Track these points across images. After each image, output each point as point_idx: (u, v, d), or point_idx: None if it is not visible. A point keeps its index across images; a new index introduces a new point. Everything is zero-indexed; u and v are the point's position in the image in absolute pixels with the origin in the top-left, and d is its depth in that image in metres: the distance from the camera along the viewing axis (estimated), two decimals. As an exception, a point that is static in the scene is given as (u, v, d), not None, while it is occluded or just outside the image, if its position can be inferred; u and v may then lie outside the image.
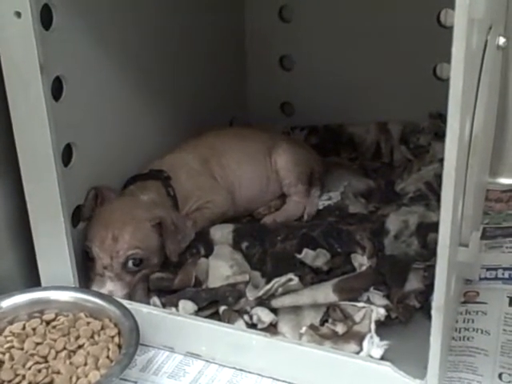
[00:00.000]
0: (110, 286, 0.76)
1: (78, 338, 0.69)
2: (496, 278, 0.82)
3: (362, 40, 1.10)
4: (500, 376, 0.66)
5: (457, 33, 0.48)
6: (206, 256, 0.81)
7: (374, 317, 0.70)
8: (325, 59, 1.14)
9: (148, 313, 0.72)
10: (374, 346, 0.67)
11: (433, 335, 0.58)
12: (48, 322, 0.71)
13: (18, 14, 0.65)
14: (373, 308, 0.71)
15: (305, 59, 1.16)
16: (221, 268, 0.79)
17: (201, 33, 1.02)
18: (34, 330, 0.70)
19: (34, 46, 0.66)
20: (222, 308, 0.74)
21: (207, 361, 0.72)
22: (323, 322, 0.72)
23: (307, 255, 0.78)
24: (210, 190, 0.91)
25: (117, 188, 0.85)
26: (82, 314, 0.72)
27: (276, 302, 0.73)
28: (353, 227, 0.83)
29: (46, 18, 0.68)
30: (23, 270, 0.80)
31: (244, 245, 0.82)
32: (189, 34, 0.99)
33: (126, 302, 0.72)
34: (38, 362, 0.65)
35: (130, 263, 0.77)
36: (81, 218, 0.79)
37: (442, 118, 1.05)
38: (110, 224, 0.77)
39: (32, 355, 0.66)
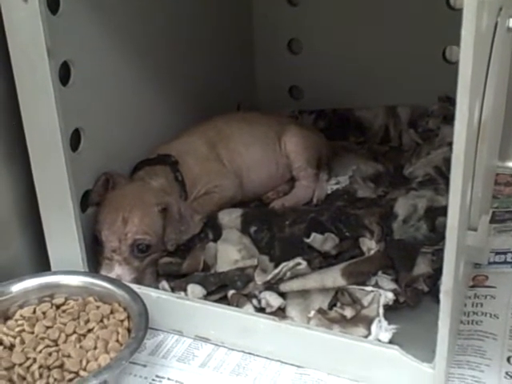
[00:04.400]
0: (118, 270, 0.76)
1: (87, 321, 0.69)
2: (505, 262, 0.82)
3: (371, 23, 1.09)
4: (508, 359, 0.66)
5: (466, 15, 0.48)
6: (215, 240, 0.82)
7: (382, 301, 0.70)
8: (333, 42, 1.13)
9: (157, 297, 0.73)
10: (383, 329, 0.67)
11: (441, 319, 0.58)
12: (58, 306, 0.72)
13: (25, -1, 0.65)
14: (381, 292, 0.71)
15: (313, 43, 1.15)
16: (229, 252, 0.79)
17: (208, 17, 1.02)
18: (44, 313, 0.71)
19: (41, 31, 0.66)
20: (231, 292, 0.74)
21: (216, 344, 0.72)
22: (331, 306, 0.72)
23: (315, 239, 0.78)
24: (218, 175, 0.90)
25: (125, 173, 0.86)
26: (91, 298, 0.72)
27: (284, 286, 0.73)
28: (361, 211, 0.83)
29: (53, 2, 0.68)
30: (33, 254, 0.81)
31: (252, 229, 0.82)
32: (196, 18, 0.99)
33: (135, 287, 0.73)
34: (48, 346, 0.66)
35: (138, 248, 0.77)
36: (89, 202, 0.79)
37: (451, 101, 1.04)
38: (120, 207, 0.78)
39: (42, 339, 0.67)
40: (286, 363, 0.69)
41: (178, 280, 0.77)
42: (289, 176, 0.99)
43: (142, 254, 0.78)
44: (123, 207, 0.78)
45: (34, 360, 0.64)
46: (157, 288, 0.76)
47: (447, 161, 0.83)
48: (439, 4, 1.04)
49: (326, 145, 1.04)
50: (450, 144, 0.52)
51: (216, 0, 1.04)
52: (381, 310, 0.69)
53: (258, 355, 0.70)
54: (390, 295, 0.71)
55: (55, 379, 0.63)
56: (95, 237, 0.78)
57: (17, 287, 0.72)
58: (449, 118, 1.03)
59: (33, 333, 0.68)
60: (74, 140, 0.75)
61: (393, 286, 0.73)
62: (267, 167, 0.96)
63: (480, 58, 0.53)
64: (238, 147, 0.94)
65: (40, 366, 0.63)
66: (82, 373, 0.63)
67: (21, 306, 0.72)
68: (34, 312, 0.71)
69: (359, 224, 0.80)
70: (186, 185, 0.86)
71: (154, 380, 0.68)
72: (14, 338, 0.67)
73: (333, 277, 0.73)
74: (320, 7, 1.12)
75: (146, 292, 0.73)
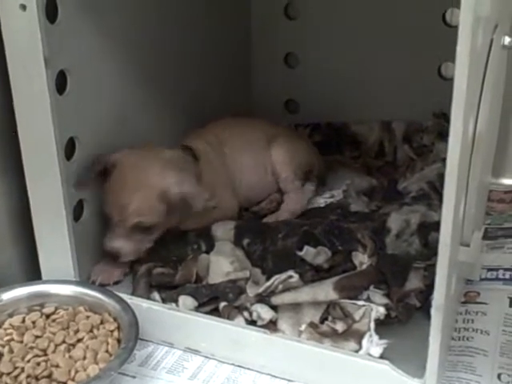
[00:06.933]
0: (117, 243, 0.78)
1: (77, 331, 0.69)
2: (497, 279, 0.82)
3: (367, 38, 1.10)
4: (499, 376, 0.66)
5: (462, 31, 0.48)
6: (207, 252, 0.82)
7: (373, 315, 0.70)
8: (329, 57, 1.13)
9: (148, 308, 0.72)
10: (374, 344, 0.67)
11: (432, 334, 0.58)
12: (48, 316, 0.71)
13: (24, 7, 0.65)
14: (373, 307, 0.71)
15: (309, 57, 1.16)
16: (222, 264, 0.79)
17: (206, 29, 1.02)
18: (33, 323, 0.70)
19: (39, 39, 0.66)
20: (222, 304, 0.74)
21: (206, 357, 0.72)
22: (323, 319, 0.71)
23: (308, 252, 0.78)
24: (221, 191, 0.90)
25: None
26: (81, 308, 0.72)
27: (276, 299, 0.73)
28: (354, 225, 0.83)
29: (51, 11, 0.68)
30: (24, 262, 0.80)
31: (245, 241, 0.82)
32: (194, 30, 0.99)
33: (126, 297, 0.72)
34: (37, 355, 0.65)
35: (139, 228, 0.78)
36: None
37: (445, 117, 1.04)
38: (123, 189, 0.78)
39: (31, 348, 0.66)
40: (276, 377, 0.69)
41: (169, 291, 0.76)
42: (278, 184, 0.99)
43: (143, 231, 0.79)
44: (126, 189, 0.78)
45: (22, 369, 0.64)
46: (148, 299, 0.75)
47: (441, 176, 0.82)
48: (435, 21, 1.04)
49: (317, 157, 1.04)
50: (444, 160, 0.53)
51: (213, 12, 1.04)
52: (372, 325, 0.69)
53: (248, 368, 0.70)
54: (382, 310, 0.71)
55: (43, 389, 0.62)
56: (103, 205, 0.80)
57: (6, 296, 0.72)
58: (443, 134, 1.03)
59: (22, 342, 0.68)
60: (69, 149, 0.75)
61: (384, 300, 0.73)
62: (257, 173, 0.96)
63: (475, 74, 0.53)
64: (232, 152, 0.94)
65: (28, 376, 0.63)
66: (70, 383, 0.63)
67: (10, 315, 0.71)
68: (24, 321, 0.71)
69: (352, 238, 0.80)
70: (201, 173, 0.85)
71: (143, 391, 0.68)
72: (3, 346, 0.67)
73: (325, 290, 0.73)
74: (317, 21, 1.12)
75: (137, 302, 0.72)
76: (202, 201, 0.80)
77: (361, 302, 0.72)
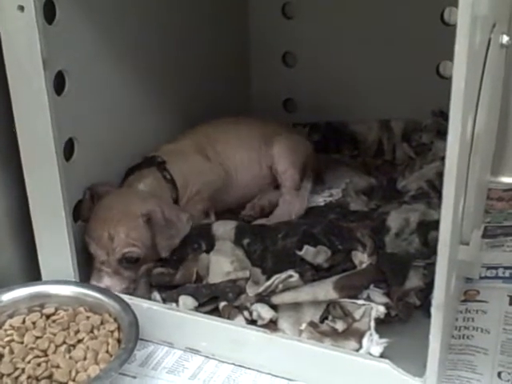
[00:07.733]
0: (107, 281, 0.77)
1: (77, 332, 0.69)
2: (496, 277, 0.82)
3: (365, 37, 1.10)
4: (499, 375, 0.66)
5: (460, 30, 0.48)
6: (208, 251, 0.81)
7: (373, 314, 0.70)
8: (327, 56, 1.13)
9: (148, 308, 0.73)
10: (374, 343, 0.67)
11: (432, 333, 0.58)
12: (48, 316, 0.71)
13: (21, 8, 0.65)
14: (373, 306, 0.71)
15: (307, 56, 1.16)
16: (222, 264, 0.79)
17: (203, 29, 1.02)
18: (33, 323, 0.70)
19: (37, 40, 0.66)
20: (222, 304, 0.74)
21: (206, 356, 0.72)
22: (323, 319, 0.71)
23: (308, 252, 0.78)
24: (205, 172, 0.91)
25: (117, 181, 0.86)
26: (81, 309, 0.72)
27: (276, 299, 0.73)
28: (354, 224, 0.83)
29: (49, 11, 0.68)
30: (24, 263, 0.80)
31: (245, 241, 0.82)
32: (191, 30, 0.99)
33: (126, 297, 0.72)
34: (37, 356, 0.65)
35: (126, 261, 0.77)
36: (80, 218, 0.79)
37: (444, 116, 1.05)
38: (105, 222, 0.77)
39: (32, 349, 0.66)
40: (276, 376, 0.69)
41: (169, 291, 0.76)
42: (272, 178, 0.98)
43: (131, 265, 0.78)
44: (108, 222, 0.77)
45: (23, 370, 0.63)
46: (148, 299, 0.75)
47: (440, 175, 0.83)
48: (433, 19, 1.05)
49: (312, 155, 1.03)
50: (443, 158, 0.53)
51: (212, 12, 1.04)
52: (372, 324, 0.69)
53: (248, 368, 0.70)
54: (382, 309, 0.71)
55: (44, 390, 0.62)
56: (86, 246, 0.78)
57: (6, 296, 0.72)
58: (442, 133, 1.02)
59: (22, 343, 0.67)
60: (68, 149, 0.75)
61: (384, 299, 0.73)
62: (251, 168, 0.97)
63: (473, 73, 0.53)
64: (225, 149, 0.95)
65: (28, 377, 0.63)
66: (71, 384, 0.63)
67: (10, 316, 0.71)
68: (24, 322, 0.70)
69: (352, 237, 0.80)
70: (176, 183, 0.86)
71: (143, 392, 0.68)
72: (3, 347, 0.67)
73: (325, 290, 0.73)
74: (315, 21, 1.12)
75: (137, 303, 0.72)
76: (184, 221, 0.81)
77: (361, 301, 0.72)
